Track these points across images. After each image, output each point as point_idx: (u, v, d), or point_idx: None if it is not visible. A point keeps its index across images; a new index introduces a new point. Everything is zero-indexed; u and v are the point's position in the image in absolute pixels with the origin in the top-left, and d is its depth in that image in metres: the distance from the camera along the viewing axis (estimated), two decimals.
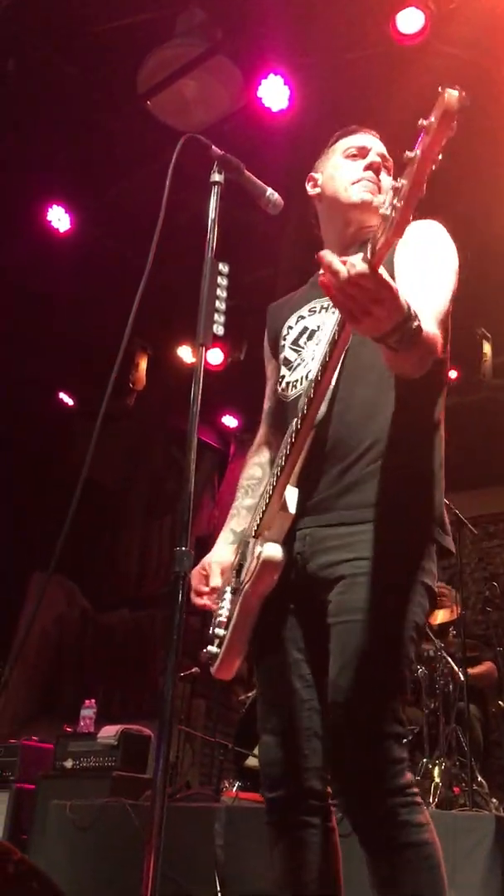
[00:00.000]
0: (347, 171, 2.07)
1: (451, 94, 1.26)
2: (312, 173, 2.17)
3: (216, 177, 2.01)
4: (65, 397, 7.68)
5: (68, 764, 4.76)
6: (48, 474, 7.57)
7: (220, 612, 1.97)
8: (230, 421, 7.97)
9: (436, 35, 4.18)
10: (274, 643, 1.91)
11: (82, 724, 5.04)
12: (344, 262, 1.41)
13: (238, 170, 2.04)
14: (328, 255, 1.44)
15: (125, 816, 3.85)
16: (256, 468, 2.20)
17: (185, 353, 7.01)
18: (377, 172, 2.06)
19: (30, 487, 7.57)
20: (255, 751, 5.04)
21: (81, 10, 4.45)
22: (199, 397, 1.78)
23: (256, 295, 5.34)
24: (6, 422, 7.00)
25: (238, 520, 2.13)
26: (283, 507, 1.77)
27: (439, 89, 1.26)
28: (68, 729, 5.12)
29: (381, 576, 1.74)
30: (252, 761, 4.95)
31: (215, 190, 2.00)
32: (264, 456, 2.21)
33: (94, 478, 1.94)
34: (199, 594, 2.02)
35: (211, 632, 1.96)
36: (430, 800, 4.04)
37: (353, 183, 2.05)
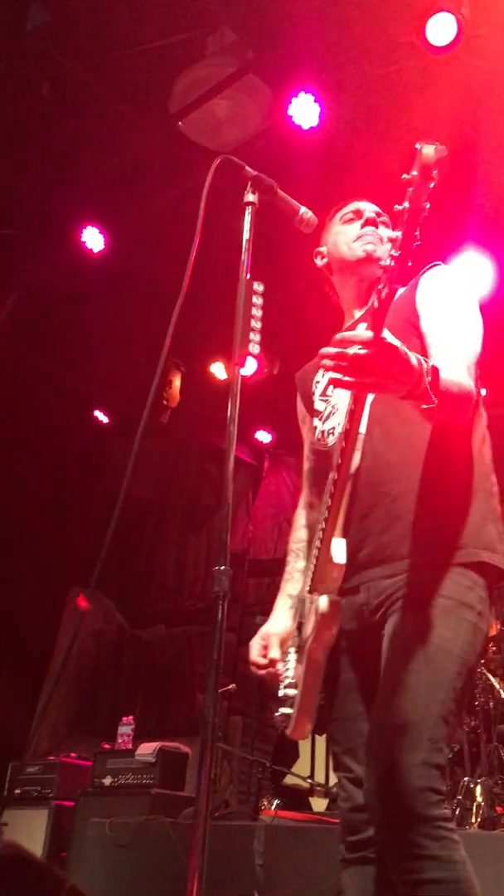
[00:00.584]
0: (348, 233, 2.20)
1: (428, 149, 1.38)
2: (318, 248, 2.30)
3: (250, 197, 2.03)
4: (100, 415, 7.75)
5: (107, 781, 4.76)
6: (84, 491, 7.63)
7: (287, 673, 1.99)
8: (264, 436, 7.98)
9: (466, 48, 4.17)
10: (344, 693, 1.94)
11: (120, 740, 5.03)
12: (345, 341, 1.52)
13: (271, 190, 2.07)
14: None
15: (164, 834, 3.85)
16: (303, 531, 2.26)
17: (217, 370, 7.04)
18: (375, 226, 2.18)
19: (66, 504, 7.63)
20: (294, 768, 5.01)
21: (113, 33, 4.51)
22: (237, 418, 1.79)
23: (291, 311, 5.37)
24: (42, 440, 7.07)
25: (293, 584, 2.18)
26: (332, 558, 1.78)
27: (416, 146, 1.38)
28: (106, 746, 5.12)
29: (428, 612, 1.75)
30: (290, 780, 4.92)
31: (249, 210, 2.02)
32: (310, 517, 2.25)
33: (129, 493, 1.96)
34: (259, 667, 2.05)
35: (281, 693, 1.98)
36: (473, 820, 3.98)
37: (355, 240, 2.18)
